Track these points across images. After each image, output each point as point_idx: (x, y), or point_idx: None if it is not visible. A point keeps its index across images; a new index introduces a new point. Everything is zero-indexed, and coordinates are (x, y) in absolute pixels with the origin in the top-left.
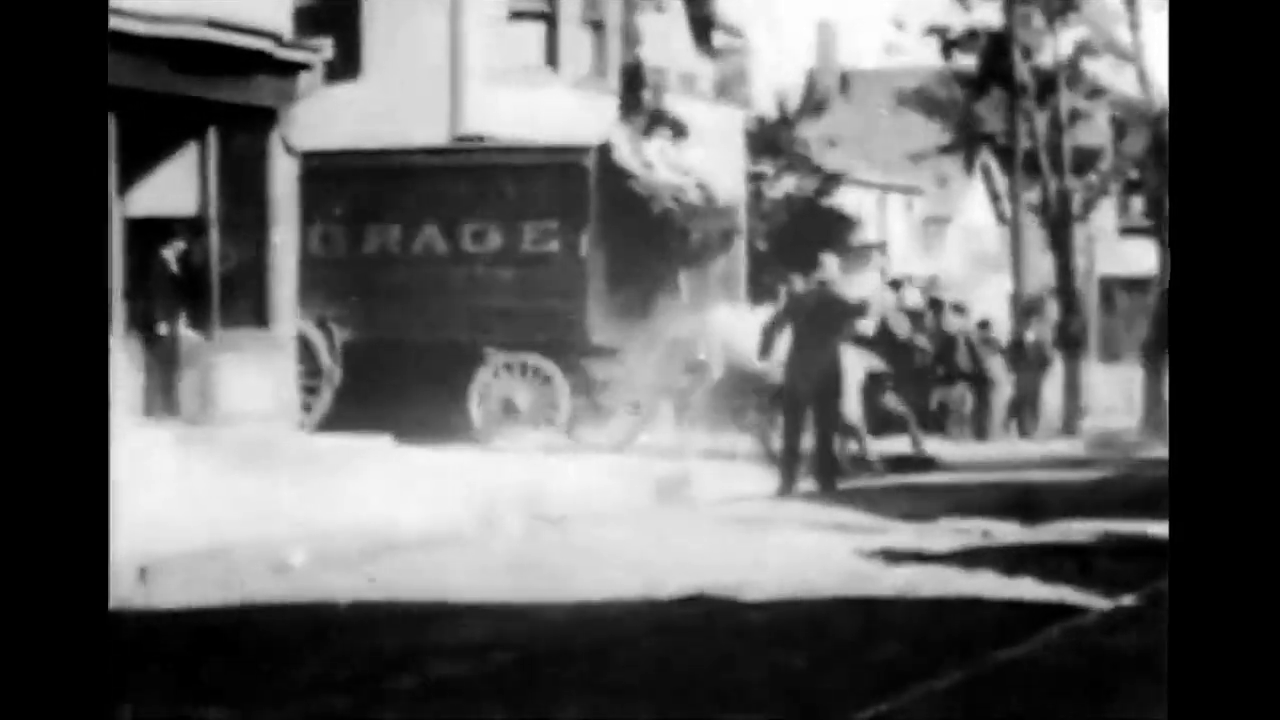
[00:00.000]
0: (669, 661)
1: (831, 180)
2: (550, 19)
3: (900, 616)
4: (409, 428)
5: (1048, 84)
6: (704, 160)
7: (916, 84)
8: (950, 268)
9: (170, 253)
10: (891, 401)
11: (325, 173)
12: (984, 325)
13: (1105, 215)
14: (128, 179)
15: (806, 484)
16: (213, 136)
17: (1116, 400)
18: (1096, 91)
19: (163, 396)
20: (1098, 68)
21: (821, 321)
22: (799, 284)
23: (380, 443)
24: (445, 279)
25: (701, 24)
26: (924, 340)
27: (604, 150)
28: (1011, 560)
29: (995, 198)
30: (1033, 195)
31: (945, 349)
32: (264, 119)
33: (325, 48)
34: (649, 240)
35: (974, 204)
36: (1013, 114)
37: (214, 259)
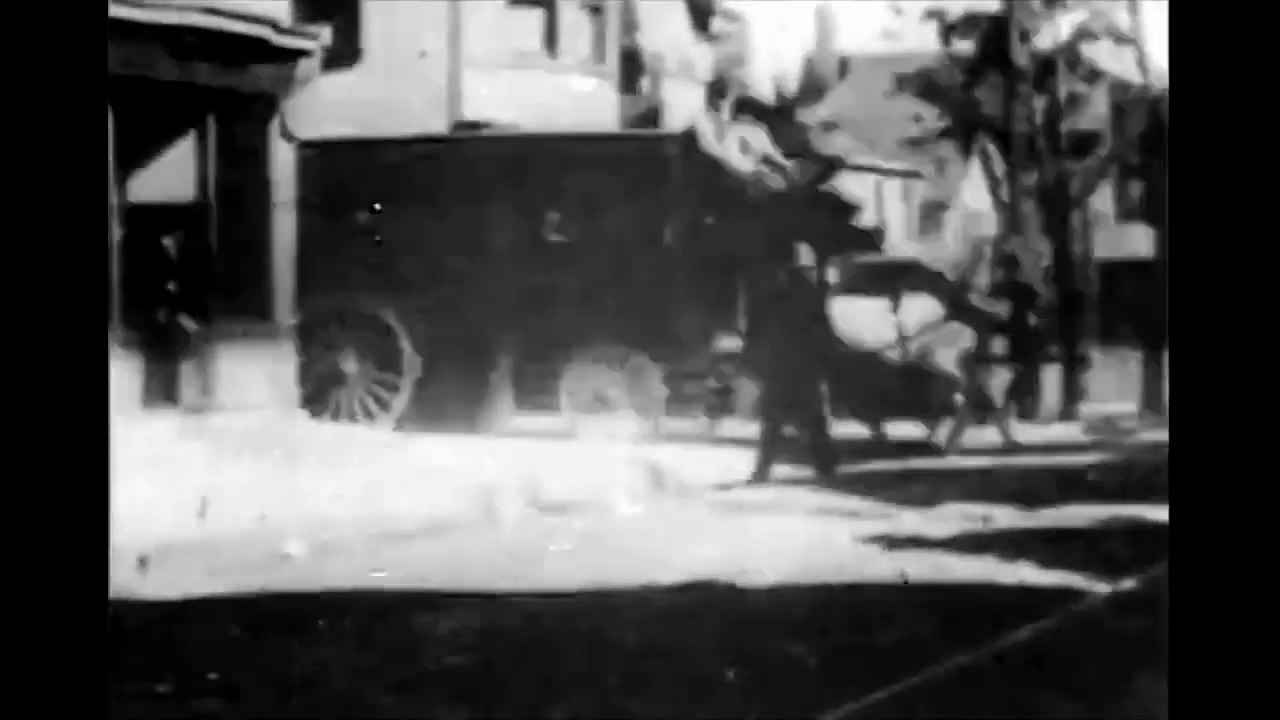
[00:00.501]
0: (670, 648)
1: (830, 165)
2: (549, 5)
3: (900, 601)
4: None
5: (1046, 68)
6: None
7: (915, 69)
8: (947, 252)
9: (169, 241)
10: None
11: (403, 162)
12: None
13: (1103, 199)
14: (126, 166)
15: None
16: (211, 124)
17: (1115, 384)
18: (1095, 75)
19: (162, 386)
20: (1096, 52)
21: (797, 308)
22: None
23: (382, 433)
24: (528, 268)
25: (700, 9)
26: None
27: (688, 137)
28: (1013, 545)
29: (994, 182)
30: (1031, 180)
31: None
32: (263, 106)
33: (324, 34)
34: (734, 227)
35: (972, 188)
36: (1011, 98)
37: (213, 247)
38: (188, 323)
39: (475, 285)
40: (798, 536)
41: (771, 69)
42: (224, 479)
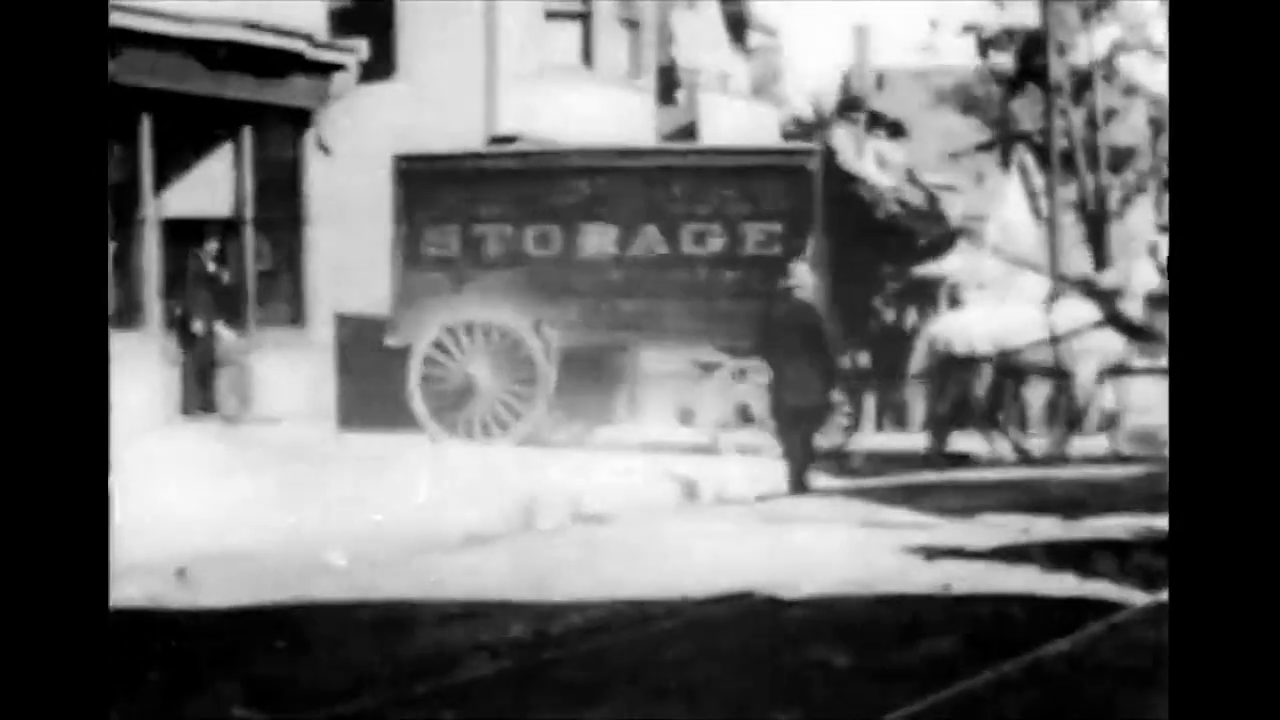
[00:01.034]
0: (707, 659)
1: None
2: (586, 19)
3: (940, 613)
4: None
5: (1083, 82)
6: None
7: (953, 83)
8: (985, 265)
9: (206, 253)
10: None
11: (539, 173)
12: None
13: (1142, 213)
14: (163, 179)
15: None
16: (247, 137)
17: (1155, 397)
18: (1132, 89)
19: (200, 395)
20: (1133, 66)
21: (792, 325)
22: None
23: (419, 442)
24: (665, 281)
25: (736, 23)
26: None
27: (828, 153)
28: (1052, 557)
29: (1032, 195)
30: (1070, 193)
31: None
32: (299, 119)
33: (360, 48)
34: (873, 243)
35: (1011, 202)
36: (1049, 112)
37: (249, 259)
38: (225, 333)
39: (610, 298)
40: (837, 547)
41: (809, 83)
42: (263, 488)
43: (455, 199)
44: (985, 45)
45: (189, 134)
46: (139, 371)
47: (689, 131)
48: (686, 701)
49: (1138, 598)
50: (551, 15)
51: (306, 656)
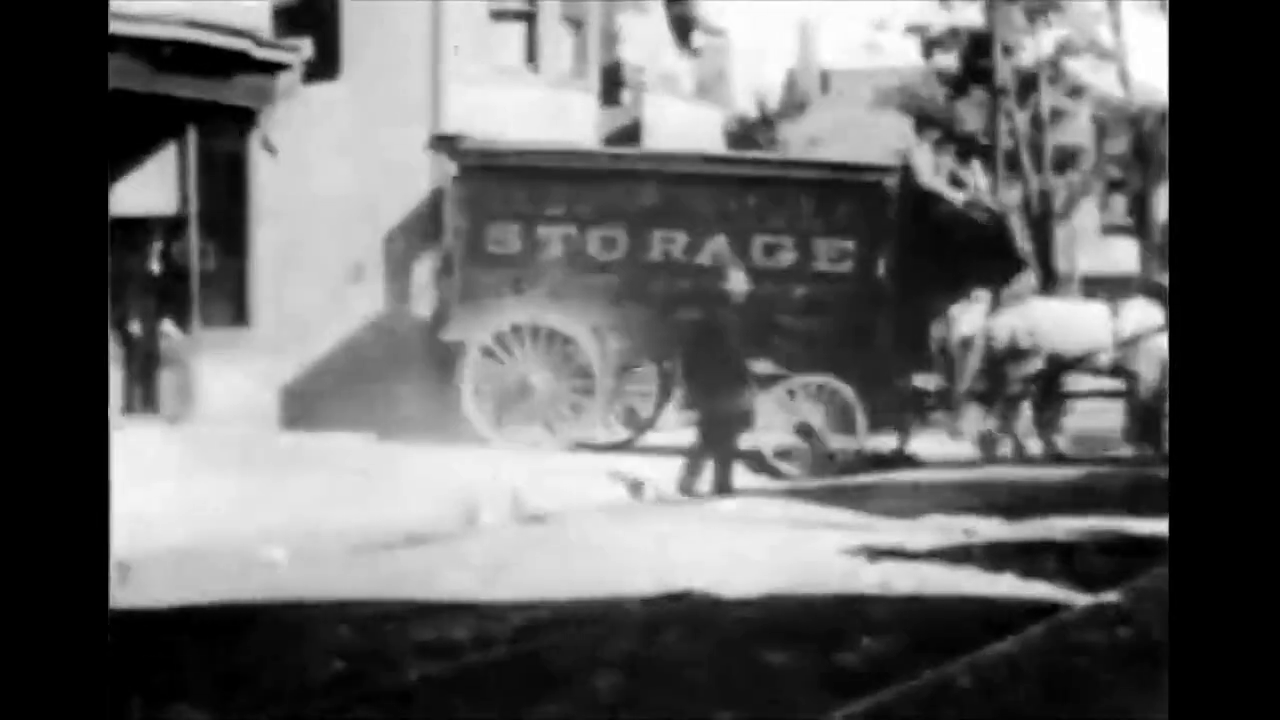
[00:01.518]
0: (653, 659)
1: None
2: (530, 19)
3: (882, 613)
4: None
5: (1029, 83)
6: None
7: (897, 83)
8: None
9: (150, 251)
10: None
11: (608, 174)
12: None
13: (1087, 214)
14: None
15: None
16: (192, 136)
17: (1097, 399)
18: (1077, 90)
19: (142, 394)
20: (1079, 67)
21: (730, 330)
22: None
23: (363, 441)
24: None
25: (682, 23)
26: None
27: (906, 171)
28: (994, 557)
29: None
30: (1014, 194)
31: None
32: (243, 118)
33: (304, 47)
34: (946, 263)
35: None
36: (994, 113)
37: (193, 258)
38: (168, 332)
39: (673, 306)
40: (781, 548)
41: (753, 83)
42: (205, 487)
43: (520, 196)
44: (930, 45)
45: (134, 133)
46: None
47: (632, 132)
48: (627, 701)
49: (1080, 598)
50: (496, 15)
51: (246, 656)
